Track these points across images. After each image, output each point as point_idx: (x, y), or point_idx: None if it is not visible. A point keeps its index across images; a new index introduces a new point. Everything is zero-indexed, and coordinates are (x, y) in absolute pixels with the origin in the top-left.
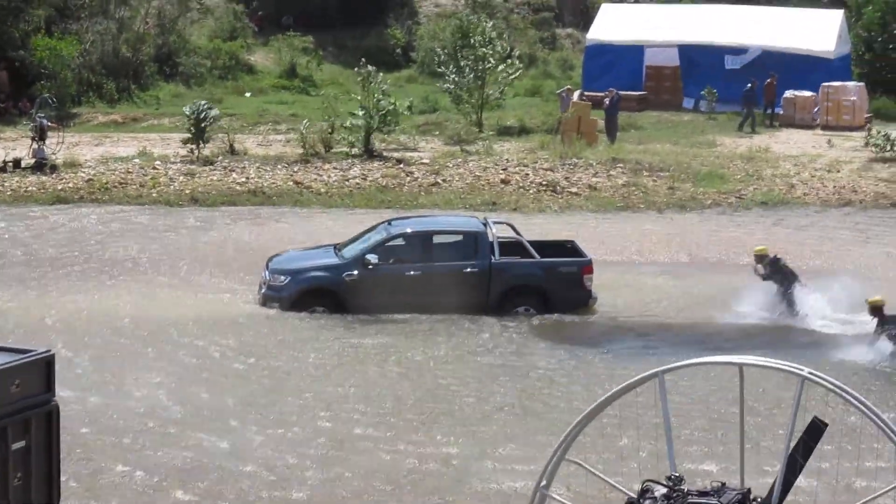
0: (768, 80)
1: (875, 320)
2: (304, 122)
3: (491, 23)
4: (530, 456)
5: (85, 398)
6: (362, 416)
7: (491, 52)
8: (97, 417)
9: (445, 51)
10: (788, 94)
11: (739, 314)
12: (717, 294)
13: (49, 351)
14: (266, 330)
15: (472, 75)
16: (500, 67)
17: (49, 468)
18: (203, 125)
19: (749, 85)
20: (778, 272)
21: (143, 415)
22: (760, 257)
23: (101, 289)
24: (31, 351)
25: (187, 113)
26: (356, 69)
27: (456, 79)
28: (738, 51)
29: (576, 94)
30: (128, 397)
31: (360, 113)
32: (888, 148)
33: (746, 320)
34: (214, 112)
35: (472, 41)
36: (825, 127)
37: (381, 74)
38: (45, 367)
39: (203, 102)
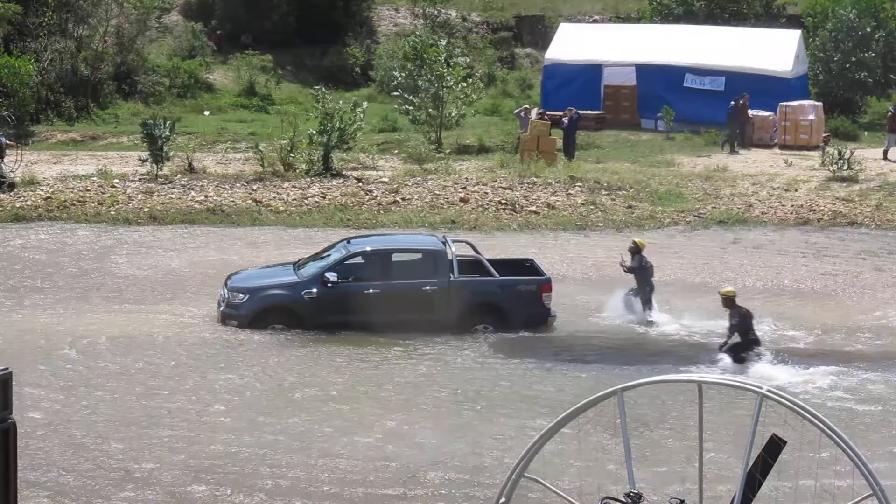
0: (741, 101)
1: (728, 311)
2: (262, 144)
3: (446, 41)
4: (487, 467)
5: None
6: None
7: (449, 71)
8: (48, 435)
9: (404, 72)
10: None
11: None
12: (676, 311)
13: (6, 369)
14: (224, 347)
15: (428, 96)
16: (460, 87)
17: (6, 488)
18: (159, 142)
19: (732, 103)
20: (643, 269)
21: (91, 436)
22: (634, 250)
23: (59, 309)
24: None
25: (141, 128)
26: (314, 87)
27: (413, 100)
28: (698, 70)
29: (534, 113)
30: (77, 418)
31: (318, 131)
32: (843, 165)
33: (694, 335)
34: (167, 128)
35: (426, 61)
36: (783, 146)
37: (334, 95)
38: (2, 386)
39: (153, 118)
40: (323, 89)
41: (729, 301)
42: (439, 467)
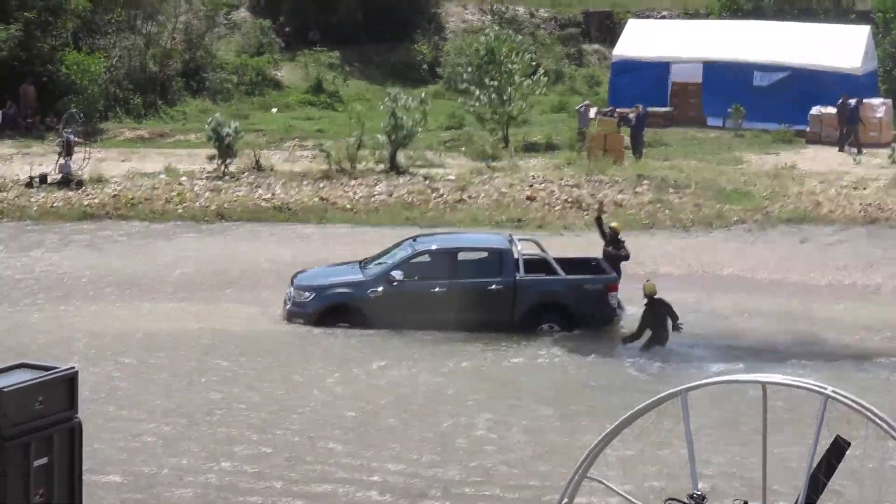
0: (846, 101)
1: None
2: (328, 142)
3: (519, 38)
4: (556, 473)
5: (107, 413)
6: (378, 431)
7: (518, 66)
8: (116, 433)
9: (470, 69)
10: (814, 110)
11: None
12: (741, 310)
13: (72, 368)
14: (289, 345)
15: (495, 93)
16: (527, 83)
17: (71, 485)
18: (226, 141)
19: (841, 101)
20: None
21: (160, 432)
22: (615, 231)
23: (128, 306)
24: (54, 368)
25: (208, 129)
26: (386, 87)
27: (480, 96)
28: (766, 67)
29: (593, 111)
30: (148, 413)
31: (386, 129)
32: None
33: (773, 336)
34: (233, 127)
35: (498, 57)
36: (856, 145)
37: (406, 94)
38: (69, 385)
39: (219, 115)
40: (396, 91)
41: (651, 294)
42: (505, 465)
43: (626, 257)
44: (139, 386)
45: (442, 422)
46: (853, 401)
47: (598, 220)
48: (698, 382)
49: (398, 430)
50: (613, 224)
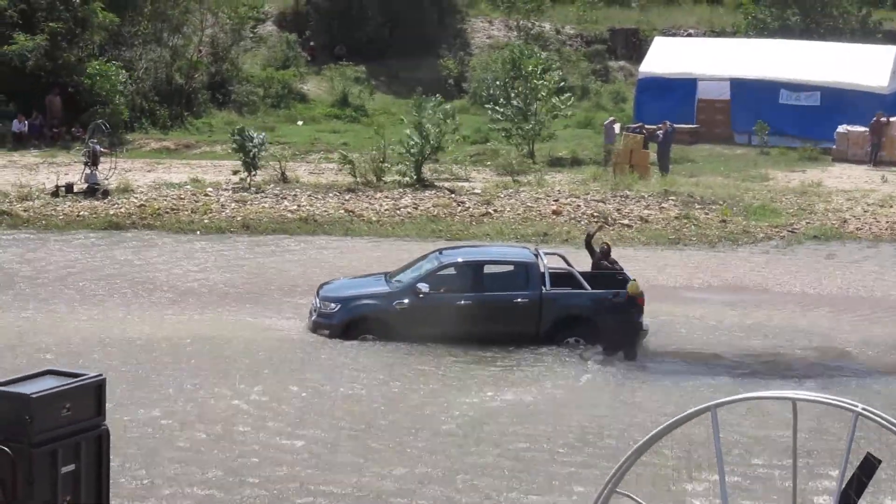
0: (879, 119)
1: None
2: (354, 155)
3: (544, 54)
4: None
5: (133, 418)
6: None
7: (544, 83)
8: (144, 439)
9: (497, 83)
10: (841, 129)
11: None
12: (769, 326)
13: (100, 375)
14: (314, 356)
15: (519, 108)
16: (553, 100)
17: (98, 492)
18: (251, 152)
19: (875, 119)
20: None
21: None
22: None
23: (153, 313)
24: (82, 375)
25: (232, 137)
26: (414, 97)
27: (506, 111)
28: (793, 86)
29: (617, 126)
30: (174, 420)
31: (412, 137)
32: None
33: (801, 352)
34: (260, 137)
35: (523, 72)
36: (878, 162)
37: (437, 97)
38: (96, 391)
39: (244, 128)
40: (424, 98)
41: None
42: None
43: (622, 271)
44: (164, 391)
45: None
46: (884, 418)
47: (590, 239)
48: (728, 399)
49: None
50: (604, 245)
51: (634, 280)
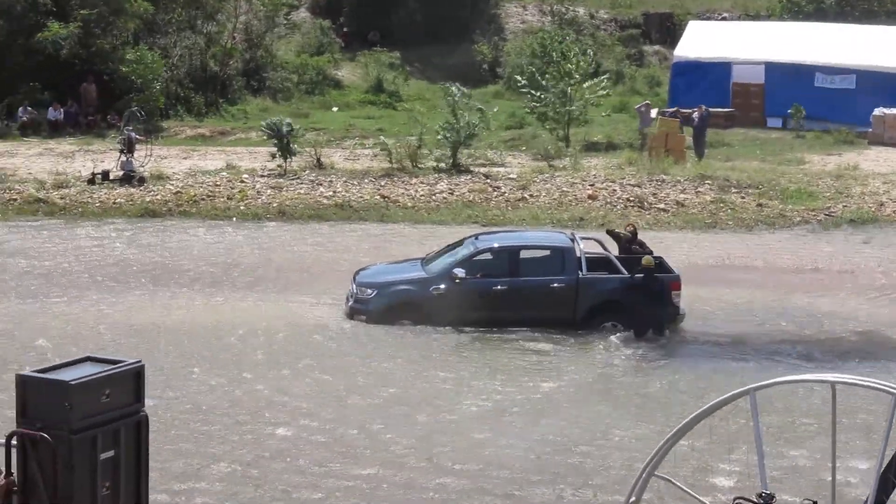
0: None
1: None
2: (389, 141)
3: (575, 37)
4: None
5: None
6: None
7: (576, 67)
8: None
9: (531, 68)
10: (878, 111)
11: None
12: (806, 310)
13: (139, 362)
14: (351, 341)
15: (556, 92)
16: (587, 84)
17: (137, 478)
18: (285, 140)
19: None
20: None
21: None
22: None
23: (195, 299)
24: (121, 362)
25: (264, 127)
26: (444, 84)
27: (541, 95)
28: (828, 69)
29: (654, 111)
30: (212, 405)
31: (445, 128)
32: None
33: (840, 335)
34: (287, 124)
35: (554, 57)
36: None
37: (468, 91)
38: (135, 378)
39: (278, 119)
40: (455, 87)
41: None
42: (575, 463)
43: (651, 254)
44: (206, 378)
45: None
46: None
47: (613, 231)
48: (767, 382)
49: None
50: (630, 227)
51: (648, 256)
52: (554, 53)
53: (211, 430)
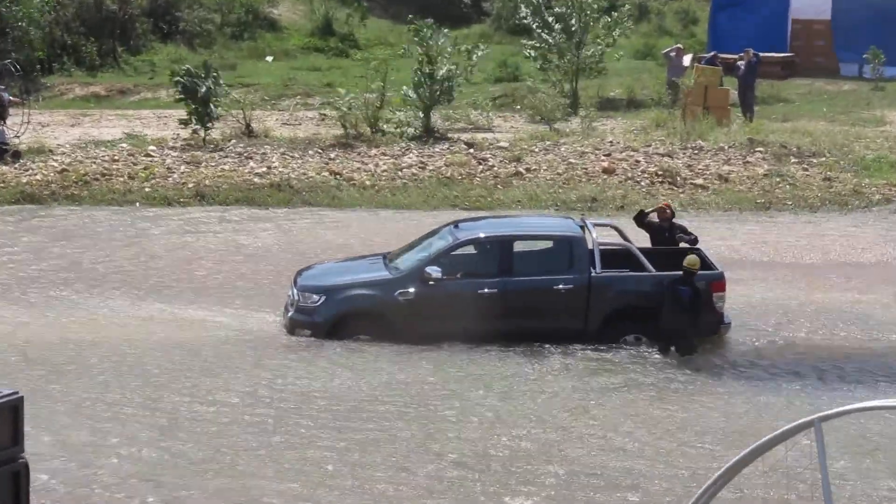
0: None
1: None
2: (342, 100)
3: None
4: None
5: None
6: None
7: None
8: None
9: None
10: None
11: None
12: (884, 315)
13: (15, 393)
14: (292, 364)
15: (563, 31)
16: (603, 21)
17: None
18: (206, 100)
19: None
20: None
21: (125, 473)
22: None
23: (86, 310)
24: None
25: (179, 79)
26: (412, 21)
27: (545, 35)
28: None
29: (687, 58)
30: (107, 451)
31: (415, 80)
32: None
33: None
34: (216, 77)
35: None
36: None
37: (445, 31)
38: (11, 414)
39: (197, 67)
40: (429, 25)
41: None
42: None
43: (695, 241)
44: (97, 408)
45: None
46: None
47: (642, 217)
48: (834, 410)
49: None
50: (666, 209)
51: (692, 255)
52: None
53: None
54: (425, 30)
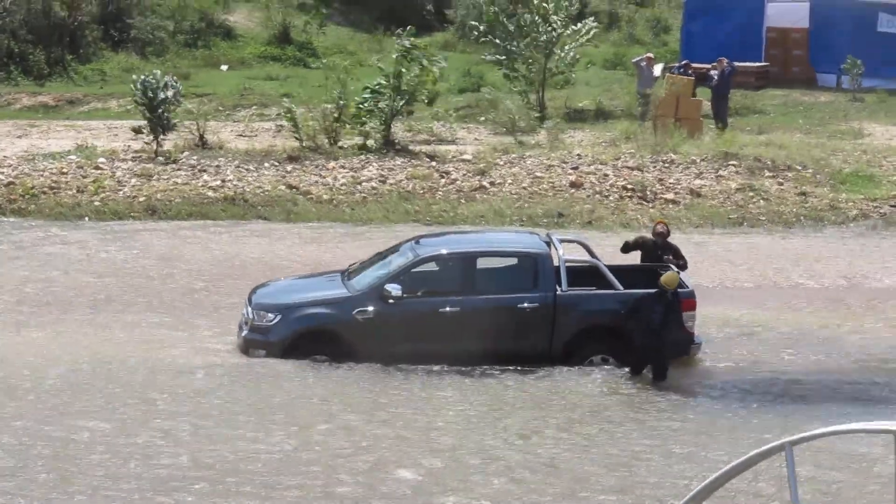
0: None
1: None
2: (299, 110)
3: None
4: None
5: None
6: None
7: (555, 8)
8: None
9: (493, 7)
10: None
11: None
12: (860, 337)
13: None
14: (246, 386)
15: (527, 40)
16: (569, 31)
17: None
18: (161, 109)
19: None
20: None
21: None
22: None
23: (28, 330)
24: None
25: (137, 89)
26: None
27: (508, 46)
28: (895, 8)
29: (657, 68)
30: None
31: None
32: None
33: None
34: (174, 87)
35: None
36: None
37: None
38: None
39: (158, 73)
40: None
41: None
42: None
43: (684, 267)
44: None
45: None
46: None
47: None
48: (806, 434)
49: None
50: (659, 225)
51: (670, 273)
52: None
53: None
54: (408, 43)
